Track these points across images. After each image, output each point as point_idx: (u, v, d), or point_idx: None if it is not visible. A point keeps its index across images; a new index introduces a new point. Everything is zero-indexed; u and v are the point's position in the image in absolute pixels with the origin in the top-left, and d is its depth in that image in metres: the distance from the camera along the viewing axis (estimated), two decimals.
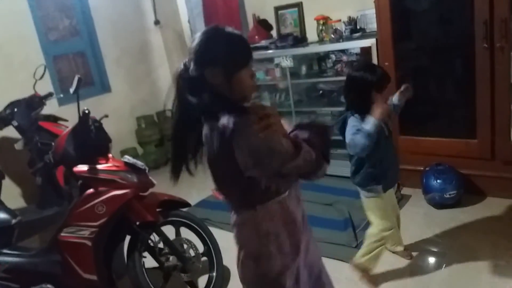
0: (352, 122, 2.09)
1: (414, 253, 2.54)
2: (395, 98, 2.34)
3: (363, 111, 2.08)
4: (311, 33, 3.99)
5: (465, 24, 2.85)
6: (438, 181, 2.94)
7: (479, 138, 2.92)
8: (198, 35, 1.31)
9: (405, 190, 3.23)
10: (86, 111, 2.32)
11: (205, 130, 1.31)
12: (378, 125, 2.00)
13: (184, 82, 1.30)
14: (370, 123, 2.00)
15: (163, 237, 2.36)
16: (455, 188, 2.91)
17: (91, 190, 2.23)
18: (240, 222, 1.40)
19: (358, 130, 2.03)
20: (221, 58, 1.26)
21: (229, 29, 1.30)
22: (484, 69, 2.77)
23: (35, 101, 3.43)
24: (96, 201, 2.20)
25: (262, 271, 1.41)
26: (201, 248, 2.54)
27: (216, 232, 2.70)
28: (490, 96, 2.80)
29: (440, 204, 2.96)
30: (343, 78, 3.50)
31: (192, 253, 2.46)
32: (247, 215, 1.38)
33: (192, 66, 1.29)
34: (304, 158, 1.26)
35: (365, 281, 2.32)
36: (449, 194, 2.90)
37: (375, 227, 2.31)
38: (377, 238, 2.30)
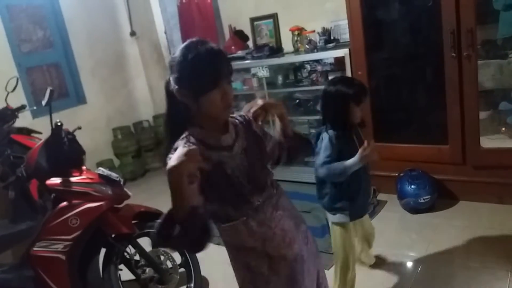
0: (326, 140, 2.02)
1: (389, 259, 2.57)
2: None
3: (340, 126, 2.04)
4: (287, 44, 4.05)
5: (434, 33, 2.94)
6: (412, 186, 3.00)
7: (450, 144, 3.00)
8: (178, 49, 1.29)
9: (381, 196, 3.28)
10: (59, 123, 2.29)
11: None
12: (357, 166, 1.94)
13: (167, 93, 1.32)
14: (352, 162, 1.94)
15: (139, 249, 2.33)
16: (429, 193, 2.97)
17: (64, 203, 2.19)
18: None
19: (332, 159, 1.96)
20: (187, 80, 1.23)
21: (204, 47, 1.24)
22: (453, 77, 2.86)
23: (7, 114, 3.36)
24: (69, 214, 2.16)
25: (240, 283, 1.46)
26: (178, 259, 2.51)
27: None
28: (459, 103, 2.88)
29: (414, 209, 3.02)
30: (319, 87, 3.61)
31: (169, 264, 2.44)
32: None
33: (166, 84, 1.31)
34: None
35: None
36: (423, 199, 2.97)
37: (337, 261, 2.22)
38: (342, 271, 2.20)
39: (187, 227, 1.15)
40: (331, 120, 2.07)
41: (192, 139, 1.28)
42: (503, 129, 3.44)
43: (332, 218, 2.17)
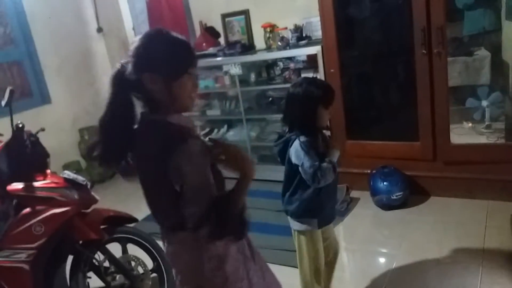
0: (303, 147, 1.84)
1: (363, 256, 2.57)
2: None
3: (309, 131, 1.88)
4: (259, 41, 4.00)
5: (405, 31, 2.96)
6: (385, 183, 3.02)
7: (421, 141, 3.03)
8: (139, 38, 1.25)
9: (354, 193, 3.30)
10: (20, 125, 2.17)
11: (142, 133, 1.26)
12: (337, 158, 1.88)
13: (122, 83, 1.25)
14: (334, 155, 1.87)
15: (109, 255, 2.25)
16: (401, 190, 3.00)
17: (27, 210, 2.07)
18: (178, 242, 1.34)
19: (316, 161, 1.83)
20: (160, 63, 1.21)
21: (173, 33, 1.25)
22: (424, 74, 2.89)
23: None
24: (33, 221, 2.04)
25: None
26: (150, 264, 2.43)
27: None
28: (430, 100, 2.92)
29: (387, 206, 3.04)
30: None
31: (140, 270, 2.36)
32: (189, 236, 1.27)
33: (130, 69, 1.22)
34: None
35: None
36: (396, 196, 2.99)
37: (303, 271, 2.07)
38: (308, 280, 2.06)
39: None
40: (298, 124, 1.90)
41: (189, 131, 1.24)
42: (470, 125, 3.52)
43: (298, 226, 2.00)
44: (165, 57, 1.21)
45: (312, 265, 2.03)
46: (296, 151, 1.86)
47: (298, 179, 1.92)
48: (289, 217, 2.02)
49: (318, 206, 1.94)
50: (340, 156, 1.94)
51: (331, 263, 2.16)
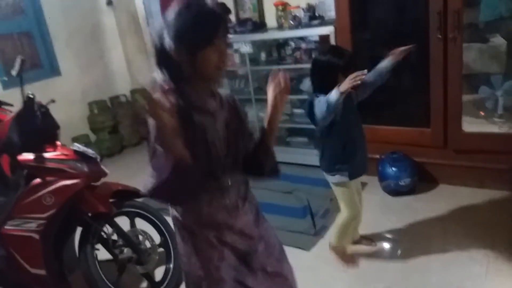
0: (319, 99, 2.06)
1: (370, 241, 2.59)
2: (383, 64, 2.30)
3: (327, 92, 2.04)
4: (270, 19, 3.94)
5: (420, 14, 2.89)
6: (393, 168, 3.00)
7: (432, 127, 3.00)
8: (175, 8, 1.23)
9: (362, 178, 3.27)
10: (31, 96, 2.16)
11: None
12: (340, 96, 1.95)
13: (156, 52, 1.26)
14: (332, 93, 1.98)
15: (117, 228, 2.27)
16: (409, 176, 2.98)
17: (37, 180, 2.09)
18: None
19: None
20: (183, 34, 1.20)
21: (203, 3, 1.22)
22: (438, 59, 2.83)
23: None
24: (43, 191, 2.06)
25: (185, 268, 1.45)
26: (157, 239, 2.46)
27: None
28: (443, 86, 2.87)
29: (395, 191, 3.03)
30: (303, 66, 3.53)
31: (148, 244, 2.39)
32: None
33: (156, 42, 1.24)
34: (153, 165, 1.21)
35: (344, 261, 2.41)
36: (404, 182, 2.98)
37: (342, 215, 2.34)
38: (345, 223, 2.35)
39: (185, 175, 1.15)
40: (320, 88, 2.11)
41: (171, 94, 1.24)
42: (482, 113, 3.47)
43: (331, 179, 2.26)
44: (187, 28, 1.19)
45: (350, 213, 2.30)
46: (317, 104, 2.05)
47: (325, 136, 2.20)
48: (324, 172, 2.28)
49: (346, 159, 2.18)
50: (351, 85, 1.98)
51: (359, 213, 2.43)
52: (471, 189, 2.95)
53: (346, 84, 1.92)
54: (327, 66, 2.09)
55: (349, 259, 2.43)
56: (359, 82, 1.92)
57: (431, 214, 2.77)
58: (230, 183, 1.36)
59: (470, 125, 3.14)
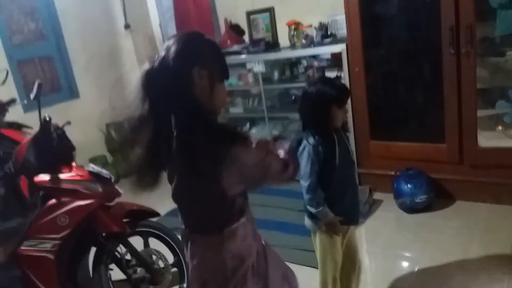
0: (307, 152, 1.85)
1: (385, 259, 2.53)
2: None
3: (322, 130, 1.87)
4: (283, 38, 3.98)
5: (433, 30, 2.89)
6: (409, 185, 2.96)
7: (447, 143, 2.96)
8: (176, 37, 1.22)
9: (377, 195, 3.25)
10: (47, 118, 2.22)
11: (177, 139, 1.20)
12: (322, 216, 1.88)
13: (160, 81, 1.18)
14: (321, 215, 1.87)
15: (130, 248, 2.28)
16: (425, 193, 2.93)
17: (53, 201, 2.13)
18: (204, 248, 1.32)
19: (315, 187, 1.86)
20: (210, 61, 1.22)
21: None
22: (451, 74, 2.81)
23: None
24: (58, 212, 2.10)
25: None
26: (171, 259, 2.46)
27: None
28: (457, 101, 2.84)
29: (411, 209, 2.98)
30: None
31: (161, 264, 2.39)
32: (213, 239, 1.29)
33: (174, 63, 1.16)
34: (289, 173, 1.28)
35: None
36: (420, 199, 2.93)
37: (321, 271, 2.03)
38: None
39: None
40: (311, 124, 1.90)
41: None
42: (500, 127, 3.41)
43: (309, 225, 1.99)
44: (214, 56, 1.24)
45: (326, 267, 1.99)
46: (300, 153, 1.87)
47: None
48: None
49: (329, 203, 1.88)
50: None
51: (348, 274, 2.07)
52: (488, 205, 2.88)
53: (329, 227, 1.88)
54: (318, 98, 1.85)
55: None
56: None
57: (449, 231, 2.71)
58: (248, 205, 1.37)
59: (488, 140, 3.09)
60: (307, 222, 1.99)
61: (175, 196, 1.33)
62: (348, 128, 2.14)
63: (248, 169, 1.19)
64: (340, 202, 1.91)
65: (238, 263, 1.30)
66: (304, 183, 1.87)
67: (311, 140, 1.85)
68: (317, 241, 1.98)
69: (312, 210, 1.88)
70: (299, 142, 1.91)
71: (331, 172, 1.87)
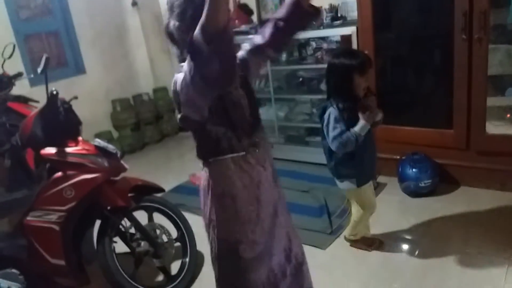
0: (333, 115, 2.08)
1: (387, 242, 2.55)
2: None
3: (346, 97, 2.08)
4: None
5: (445, 15, 2.84)
6: (414, 170, 2.95)
7: (455, 129, 2.94)
8: None
9: (381, 178, 3.24)
10: (54, 92, 2.22)
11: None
12: (366, 128, 2.06)
13: None
14: (360, 126, 2.03)
15: (135, 222, 2.31)
16: (430, 177, 2.93)
17: (59, 174, 2.14)
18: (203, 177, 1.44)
19: (342, 131, 2.04)
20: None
21: None
22: (462, 60, 2.78)
23: (4, 81, 3.29)
24: (64, 185, 2.12)
25: (220, 235, 1.43)
26: (174, 233, 2.49)
27: (191, 218, 2.64)
28: (467, 88, 2.81)
29: (415, 193, 2.98)
30: (323, 66, 3.48)
31: (165, 238, 2.42)
32: (204, 169, 1.43)
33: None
34: None
35: (367, 245, 2.49)
36: (424, 183, 2.92)
37: (357, 213, 2.39)
38: (360, 220, 2.41)
39: (219, 43, 1.05)
40: (336, 92, 2.11)
41: None
42: (508, 115, 3.38)
43: (340, 185, 2.30)
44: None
45: (365, 211, 2.35)
46: (327, 119, 2.08)
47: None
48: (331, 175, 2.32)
49: (354, 167, 2.18)
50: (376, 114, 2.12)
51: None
52: (492, 191, 2.87)
53: (367, 117, 2.03)
54: (342, 68, 2.07)
55: (371, 242, 2.50)
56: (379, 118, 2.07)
57: (451, 216, 2.72)
58: (258, 139, 1.45)
59: (496, 127, 3.06)
60: (344, 185, 2.28)
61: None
62: (373, 91, 2.32)
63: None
64: (362, 161, 2.18)
65: (223, 200, 1.42)
66: (331, 141, 2.08)
67: (335, 106, 2.07)
68: (359, 193, 2.29)
69: (352, 143, 2.03)
70: (323, 110, 2.14)
71: None
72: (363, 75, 2.05)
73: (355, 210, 2.42)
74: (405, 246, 2.53)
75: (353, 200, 2.39)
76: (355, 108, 2.08)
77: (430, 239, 2.52)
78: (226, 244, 1.45)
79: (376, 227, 2.59)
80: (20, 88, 3.53)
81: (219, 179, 1.41)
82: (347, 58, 2.07)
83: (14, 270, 2.14)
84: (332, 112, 2.08)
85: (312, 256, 2.20)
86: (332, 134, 2.07)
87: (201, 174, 1.48)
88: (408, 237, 2.60)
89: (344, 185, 2.29)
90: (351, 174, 2.22)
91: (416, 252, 2.44)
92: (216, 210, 1.44)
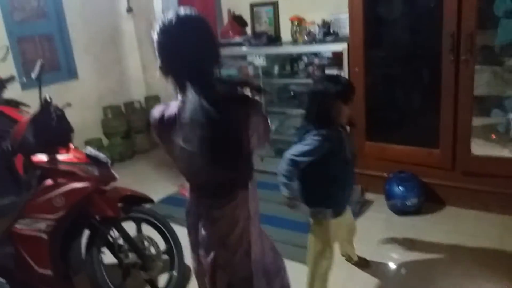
0: (314, 145, 1.93)
1: (373, 259, 2.58)
2: None
3: (329, 125, 1.97)
4: (285, 33, 3.99)
5: (434, 36, 2.90)
6: (401, 188, 3.00)
7: (441, 148, 3.00)
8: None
9: (368, 196, 3.29)
10: (48, 99, 2.22)
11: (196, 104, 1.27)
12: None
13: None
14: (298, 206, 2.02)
15: (123, 233, 2.30)
16: (416, 196, 2.98)
17: (49, 181, 2.14)
18: (234, 205, 1.43)
19: (292, 176, 1.95)
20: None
21: None
22: (449, 81, 2.84)
23: None
24: (54, 193, 2.11)
25: (255, 255, 1.47)
26: (162, 245, 2.49)
27: (179, 230, 2.64)
28: (453, 108, 2.87)
29: (401, 211, 3.03)
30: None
31: (153, 250, 2.41)
32: (242, 195, 1.43)
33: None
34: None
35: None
36: (411, 202, 2.97)
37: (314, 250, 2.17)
38: (322, 272, 2.17)
39: None
40: (317, 120, 1.97)
41: None
42: (494, 136, 3.46)
43: (312, 215, 2.12)
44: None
45: (319, 246, 2.15)
46: (305, 136, 1.97)
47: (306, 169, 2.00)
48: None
49: (332, 196, 2.06)
50: None
51: (350, 241, 2.45)
52: (477, 212, 2.93)
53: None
54: (325, 94, 1.95)
55: (361, 263, 2.51)
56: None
57: (437, 235, 2.76)
58: None
59: (481, 147, 3.13)
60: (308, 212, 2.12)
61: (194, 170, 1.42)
62: (355, 122, 2.25)
63: (262, 128, 1.37)
64: (340, 194, 2.08)
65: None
66: (293, 157, 1.94)
67: (322, 131, 1.94)
68: (314, 227, 2.14)
69: (283, 180, 1.94)
70: (305, 131, 2.00)
71: (336, 166, 1.99)
72: (346, 103, 1.96)
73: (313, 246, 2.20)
74: (391, 265, 2.56)
75: (313, 236, 2.19)
76: (339, 137, 2.00)
77: (415, 258, 2.56)
78: (261, 263, 1.50)
79: (362, 243, 2.62)
80: (11, 91, 3.51)
81: (250, 200, 1.45)
82: (330, 84, 1.96)
83: (0, 279, 2.12)
84: (315, 141, 1.94)
85: (298, 272, 2.22)
86: (298, 152, 1.94)
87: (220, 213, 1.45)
88: (394, 255, 2.63)
89: (316, 217, 2.13)
90: (327, 203, 2.07)
91: (402, 271, 2.47)
92: (249, 235, 1.46)
